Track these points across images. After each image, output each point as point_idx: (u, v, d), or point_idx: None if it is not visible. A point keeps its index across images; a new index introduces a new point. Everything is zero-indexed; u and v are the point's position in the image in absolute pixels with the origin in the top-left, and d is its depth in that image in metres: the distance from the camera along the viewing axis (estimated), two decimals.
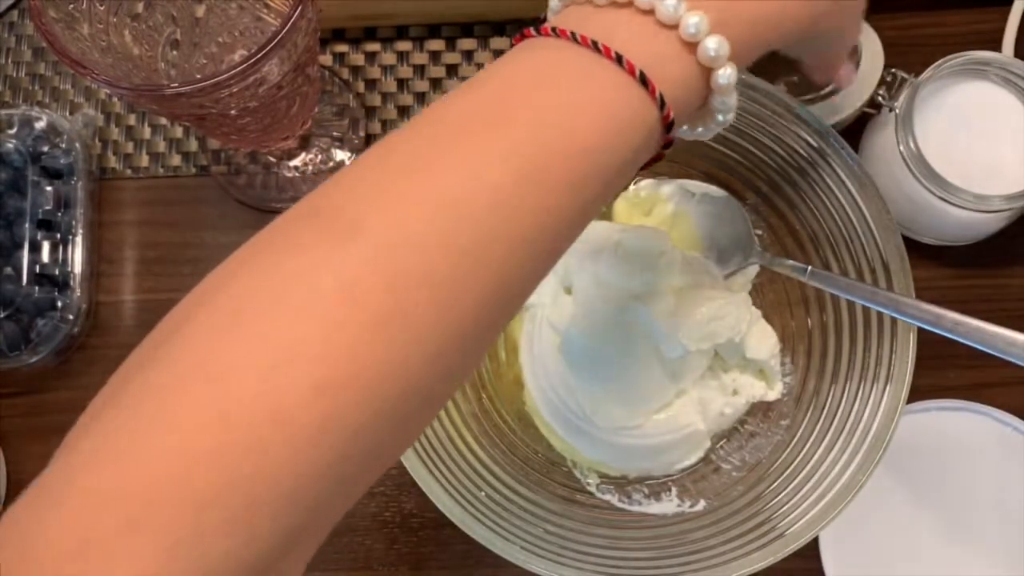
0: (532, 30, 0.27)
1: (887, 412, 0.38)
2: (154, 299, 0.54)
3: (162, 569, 0.19)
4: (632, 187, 0.47)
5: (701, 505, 0.42)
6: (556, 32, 0.27)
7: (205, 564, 0.19)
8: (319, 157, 0.54)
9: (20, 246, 0.51)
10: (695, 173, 0.46)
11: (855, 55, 0.46)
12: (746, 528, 0.39)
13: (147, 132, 0.56)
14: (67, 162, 0.53)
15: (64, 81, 0.57)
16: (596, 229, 0.44)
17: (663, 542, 0.40)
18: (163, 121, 0.56)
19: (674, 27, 0.26)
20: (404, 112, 0.55)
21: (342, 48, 0.56)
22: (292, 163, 0.54)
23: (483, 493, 0.40)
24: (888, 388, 0.38)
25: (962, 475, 0.48)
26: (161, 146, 0.56)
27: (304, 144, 0.54)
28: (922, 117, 0.46)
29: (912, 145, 0.44)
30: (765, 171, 0.43)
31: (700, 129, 0.30)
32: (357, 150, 0.55)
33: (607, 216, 0.47)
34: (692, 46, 0.26)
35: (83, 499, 0.19)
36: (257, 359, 0.21)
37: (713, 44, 0.26)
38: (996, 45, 0.52)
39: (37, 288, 0.51)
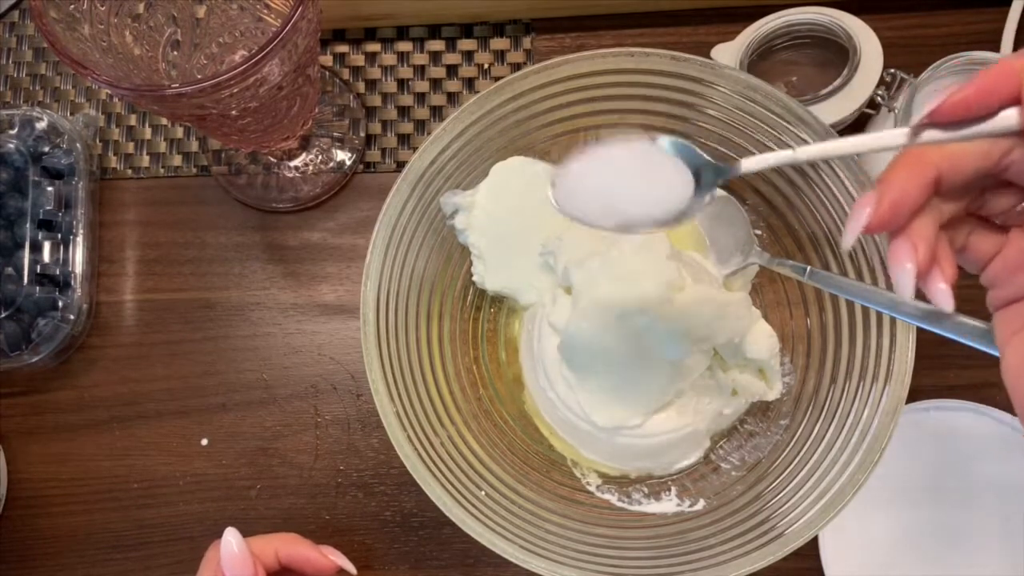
0: None
1: (887, 412, 0.38)
2: (154, 299, 0.54)
3: None
4: None
5: (701, 505, 0.42)
6: None
7: None
8: (319, 157, 0.55)
9: (21, 246, 0.51)
10: None
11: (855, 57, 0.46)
12: (746, 528, 0.39)
13: (148, 132, 0.56)
14: (68, 162, 0.53)
15: (65, 82, 0.57)
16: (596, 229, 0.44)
17: (663, 541, 0.40)
18: (164, 121, 0.56)
19: None
20: (404, 112, 0.55)
21: (342, 49, 0.56)
22: (292, 163, 0.54)
23: (483, 493, 0.40)
24: (888, 388, 0.38)
25: (962, 475, 0.48)
26: (162, 146, 0.56)
27: (305, 144, 0.54)
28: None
29: (911, 145, 0.44)
30: (765, 171, 0.43)
31: None
32: (357, 150, 0.55)
33: None
34: None
35: None
36: None
37: None
38: (995, 45, 0.52)
39: (38, 288, 0.51)
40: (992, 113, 0.24)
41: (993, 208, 0.27)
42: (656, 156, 0.30)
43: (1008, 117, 0.23)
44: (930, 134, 0.25)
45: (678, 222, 0.30)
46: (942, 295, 0.26)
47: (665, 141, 0.30)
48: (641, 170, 0.31)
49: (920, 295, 0.35)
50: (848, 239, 0.26)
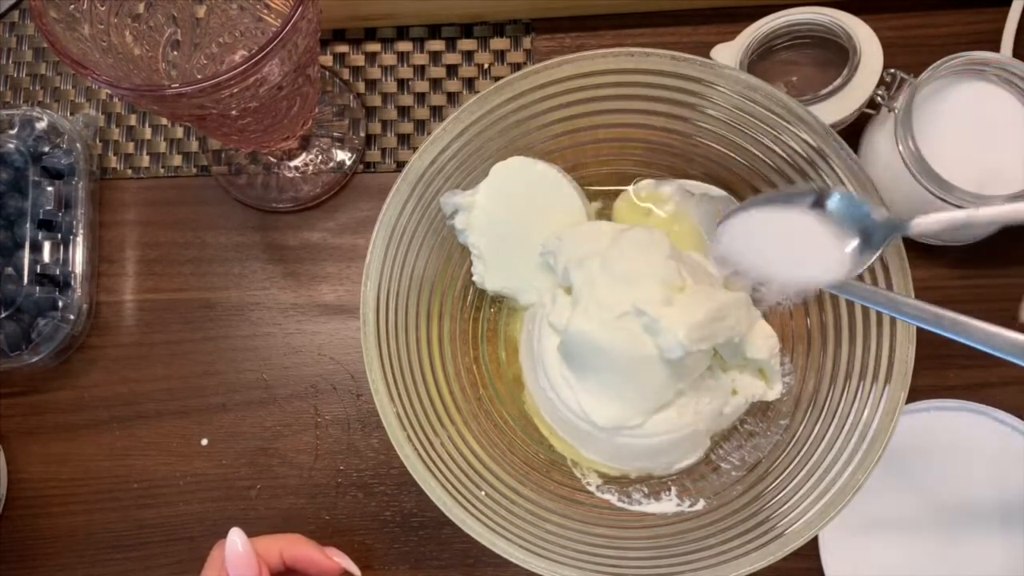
0: None
1: (887, 412, 0.38)
2: (154, 299, 0.54)
3: None
4: (632, 187, 0.47)
5: (701, 505, 0.42)
6: None
7: None
8: (319, 157, 0.55)
9: (21, 246, 0.51)
10: (695, 173, 0.46)
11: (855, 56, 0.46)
12: (745, 528, 0.39)
13: (148, 132, 0.56)
14: (68, 162, 0.53)
15: (65, 81, 0.57)
16: (596, 229, 0.44)
17: (663, 542, 0.40)
18: (164, 121, 0.56)
19: None
20: (404, 112, 0.55)
21: (342, 49, 0.56)
22: (292, 163, 0.54)
23: (483, 493, 0.40)
24: (888, 388, 0.38)
25: (961, 475, 0.48)
26: (162, 146, 0.56)
27: (304, 144, 0.54)
28: (921, 117, 0.46)
29: (911, 145, 0.44)
30: (765, 171, 0.43)
31: None
32: (357, 150, 0.55)
33: (607, 216, 0.47)
34: None
35: None
36: None
37: None
38: (995, 45, 0.52)
39: (38, 288, 0.51)
40: None
41: None
42: (817, 221, 0.29)
43: None
44: None
45: (840, 283, 0.29)
46: None
47: (835, 201, 0.29)
48: (799, 235, 0.30)
49: (920, 296, 0.35)
50: None
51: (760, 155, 0.43)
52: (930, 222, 0.27)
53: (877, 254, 0.29)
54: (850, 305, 0.42)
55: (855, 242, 0.29)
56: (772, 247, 0.31)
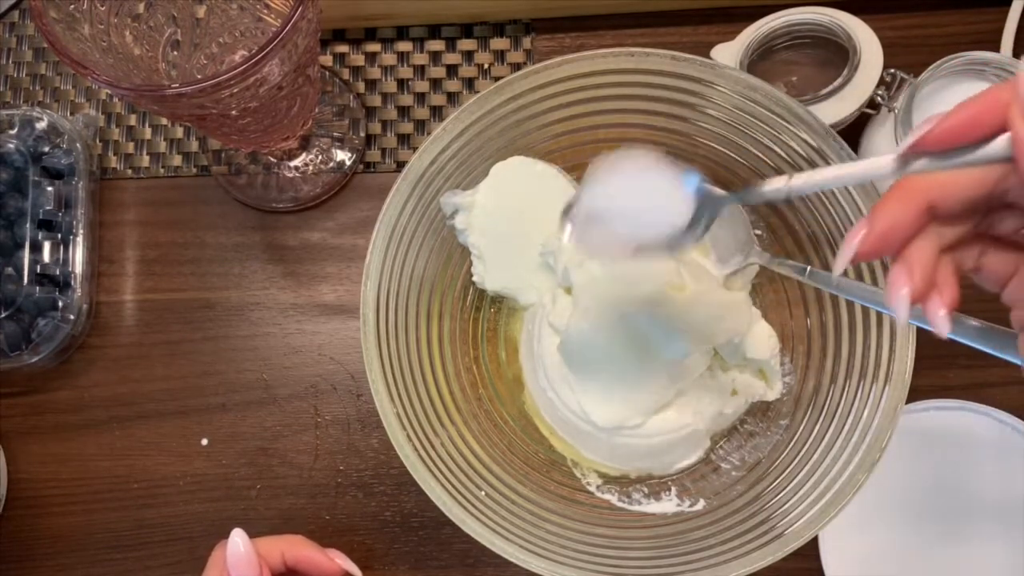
0: None
1: (886, 412, 0.38)
2: (154, 299, 0.54)
3: None
4: None
5: (701, 505, 0.42)
6: None
7: None
8: (319, 157, 0.55)
9: (21, 246, 0.51)
10: None
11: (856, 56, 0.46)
12: (745, 528, 0.39)
13: (148, 132, 0.56)
14: (68, 162, 0.53)
15: (65, 82, 0.57)
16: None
17: (663, 541, 0.40)
18: (164, 121, 0.56)
19: None
20: (404, 112, 0.55)
21: (342, 49, 0.56)
22: (292, 163, 0.54)
23: (483, 493, 0.40)
24: (888, 388, 0.39)
25: (961, 475, 0.48)
26: (162, 146, 0.56)
27: (304, 144, 0.54)
28: (921, 117, 0.46)
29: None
30: (765, 171, 0.43)
31: None
32: (357, 150, 0.55)
33: None
34: None
35: None
36: None
37: None
38: (995, 45, 0.52)
39: (38, 288, 0.51)
40: (980, 142, 0.23)
41: (1001, 229, 0.26)
42: (674, 187, 0.30)
43: (998, 145, 0.23)
44: (920, 163, 0.24)
45: (678, 248, 0.31)
46: (939, 321, 0.26)
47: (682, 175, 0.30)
48: (646, 197, 0.31)
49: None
50: (839, 266, 0.26)
51: (760, 155, 0.43)
52: (751, 195, 0.29)
53: (707, 223, 0.30)
54: (850, 305, 0.42)
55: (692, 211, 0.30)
56: (630, 203, 0.32)
